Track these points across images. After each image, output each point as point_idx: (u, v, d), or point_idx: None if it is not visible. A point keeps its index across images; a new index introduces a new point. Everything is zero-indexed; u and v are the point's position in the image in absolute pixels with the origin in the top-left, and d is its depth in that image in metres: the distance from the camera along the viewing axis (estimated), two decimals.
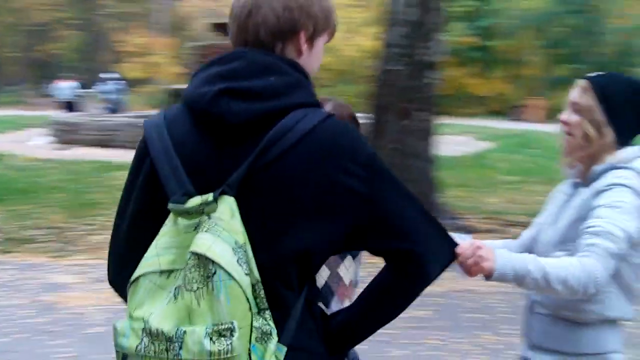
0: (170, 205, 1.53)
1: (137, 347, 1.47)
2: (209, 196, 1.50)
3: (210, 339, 1.39)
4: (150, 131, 1.68)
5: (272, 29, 1.67)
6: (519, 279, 2.05)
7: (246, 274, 1.45)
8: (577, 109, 2.36)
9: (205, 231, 1.46)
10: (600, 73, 2.42)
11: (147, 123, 1.71)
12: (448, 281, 6.96)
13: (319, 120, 1.61)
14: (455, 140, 21.48)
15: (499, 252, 2.07)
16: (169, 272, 1.51)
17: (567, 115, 2.40)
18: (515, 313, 5.90)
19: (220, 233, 1.46)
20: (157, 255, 1.53)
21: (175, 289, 1.47)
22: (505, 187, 13.11)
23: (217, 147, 1.62)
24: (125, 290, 1.60)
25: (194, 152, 1.63)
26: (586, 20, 39.99)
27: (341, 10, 35.18)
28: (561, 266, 2.06)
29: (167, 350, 1.43)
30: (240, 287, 1.42)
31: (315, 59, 1.76)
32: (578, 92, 2.38)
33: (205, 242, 1.44)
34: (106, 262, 1.82)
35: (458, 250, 1.88)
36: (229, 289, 1.41)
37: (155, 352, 1.45)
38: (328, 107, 2.51)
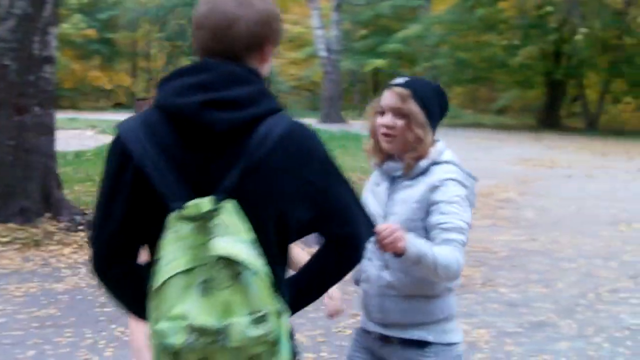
0: (175, 213, 1.68)
1: (185, 342, 1.62)
2: (210, 201, 1.68)
3: (251, 325, 1.62)
4: (129, 135, 1.76)
5: (247, 42, 1.83)
6: (418, 260, 2.37)
7: (263, 265, 1.67)
8: (401, 114, 2.59)
9: (221, 235, 1.65)
10: (406, 79, 2.68)
11: (122, 127, 1.80)
12: (71, 278, 6.93)
13: (289, 125, 1.81)
14: (80, 134, 21.18)
15: (409, 235, 2.37)
16: (188, 271, 1.64)
17: (389, 119, 2.61)
18: None
19: (234, 234, 1.66)
20: (174, 259, 1.66)
21: (199, 285, 1.64)
22: None
23: (203, 152, 1.76)
24: (112, 284, 1.89)
25: (180, 157, 1.75)
26: None
27: None
28: (444, 255, 2.40)
29: (214, 342, 1.62)
30: (264, 277, 1.66)
31: (269, 65, 1.96)
32: (398, 99, 2.60)
33: (226, 246, 1.63)
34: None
35: (377, 229, 2.23)
36: (256, 281, 1.64)
37: (203, 345, 1.62)
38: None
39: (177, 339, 1.63)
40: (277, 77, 42.69)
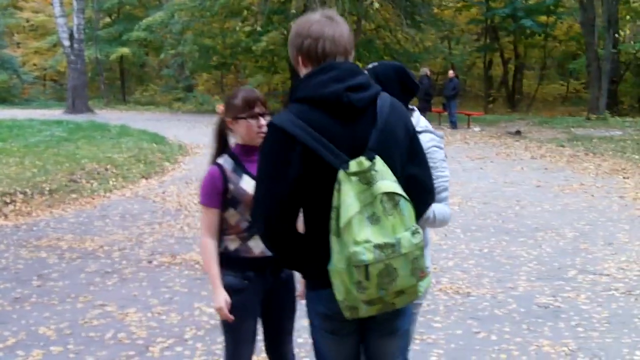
0: (343, 172, 2.42)
1: (374, 257, 2.35)
2: (365, 159, 2.44)
3: (412, 236, 2.41)
4: (287, 124, 2.47)
5: (349, 46, 2.65)
6: (426, 220, 3.12)
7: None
8: None
9: (381, 180, 2.42)
10: (374, 63, 3.31)
11: (278, 120, 2.51)
12: None
13: (389, 97, 2.65)
14: None
15: None
16: (360, 211, 2.38)
17: None
18: None
19: (388, 177, 2.45)
20: (350, 204, 2.38)
21: (367, 219, 2.38)
22: None
23: (349, 125, 2.52)
24: (280, 241, 2.55)
25: (333, 132, 2.49)
26: None
27: None
28: (441, 212, 3.18)
29: (393, 252, 2.37)
30: (409, 204, 2.46)
31: None
32: None
33: (388, 185, 2.42)
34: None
35: None
36: (407, 206, 2.45)
37: (386, 255, 2.36)
38: (241, 93, 3.35)
39: (368, 256, 2.34)
40: (20, 68, 40.43)
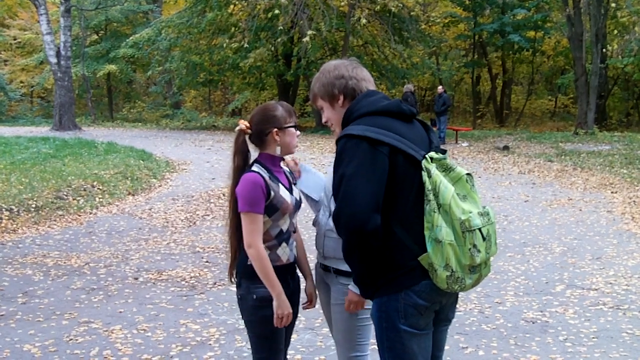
0: (425, 160, 2.82)
1: (481, 222, 2.78)
2: (435, 152, 2.87)
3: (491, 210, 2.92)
4: (370, 133, 2.81)
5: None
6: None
7: None
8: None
9: (458, 165, 2.90)
10: None
11: (358, 132, 2.81)
12: None
13: None
14: None
15: None
16: (454, 189, 2.79)
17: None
18: None
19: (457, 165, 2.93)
20: (447, 182, 2.79)
21: (458, 196, 2.79)
22: None
23: (409, 127, 2.96)
24: (371, 232, 2.70)
25: (404, 132, 2.90)
26: None
27: None
28: None
29: (489, 219, 2.83)
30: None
31: None
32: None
33: (465, 170, 2.89)
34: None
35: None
36: (477, 187, 2.93)
37: (487, 221, 2.82)
38: (279, 105, 3.47)
39: (478, 221, 2.76)
40: (7, 85, 40.29)
